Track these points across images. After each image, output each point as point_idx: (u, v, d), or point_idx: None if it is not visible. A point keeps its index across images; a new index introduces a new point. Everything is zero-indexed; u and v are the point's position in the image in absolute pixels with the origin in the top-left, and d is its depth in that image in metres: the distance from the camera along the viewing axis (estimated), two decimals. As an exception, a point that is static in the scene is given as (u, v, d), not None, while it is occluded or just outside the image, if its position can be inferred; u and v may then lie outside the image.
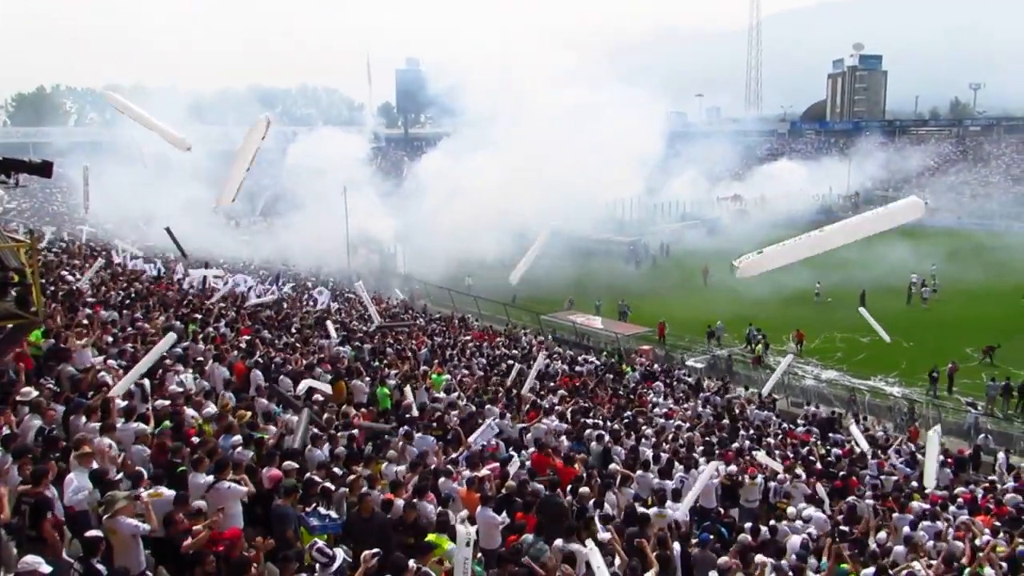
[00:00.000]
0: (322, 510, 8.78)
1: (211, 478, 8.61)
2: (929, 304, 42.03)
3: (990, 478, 18.37)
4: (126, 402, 10.72)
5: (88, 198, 31.26)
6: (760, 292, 40.23)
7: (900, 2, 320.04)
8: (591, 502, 10.76)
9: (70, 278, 20.84)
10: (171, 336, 12.70)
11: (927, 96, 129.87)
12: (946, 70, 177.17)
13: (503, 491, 10.60)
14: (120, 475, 8.47)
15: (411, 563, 7.18)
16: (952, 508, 14.53)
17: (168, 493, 8.02)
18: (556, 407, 18.20)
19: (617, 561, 8.87)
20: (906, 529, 12.26)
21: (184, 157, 24.65)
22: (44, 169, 10.12)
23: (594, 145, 54.79)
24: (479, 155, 53.66)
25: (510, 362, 23.46)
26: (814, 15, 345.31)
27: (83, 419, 9.69)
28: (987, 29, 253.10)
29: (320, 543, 7.45)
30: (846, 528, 12.27)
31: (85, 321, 14.57)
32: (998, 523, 13.52)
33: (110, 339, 14.56)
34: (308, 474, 9.69)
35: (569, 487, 11.52)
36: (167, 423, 10.46)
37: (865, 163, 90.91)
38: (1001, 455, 20.45)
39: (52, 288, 17.96)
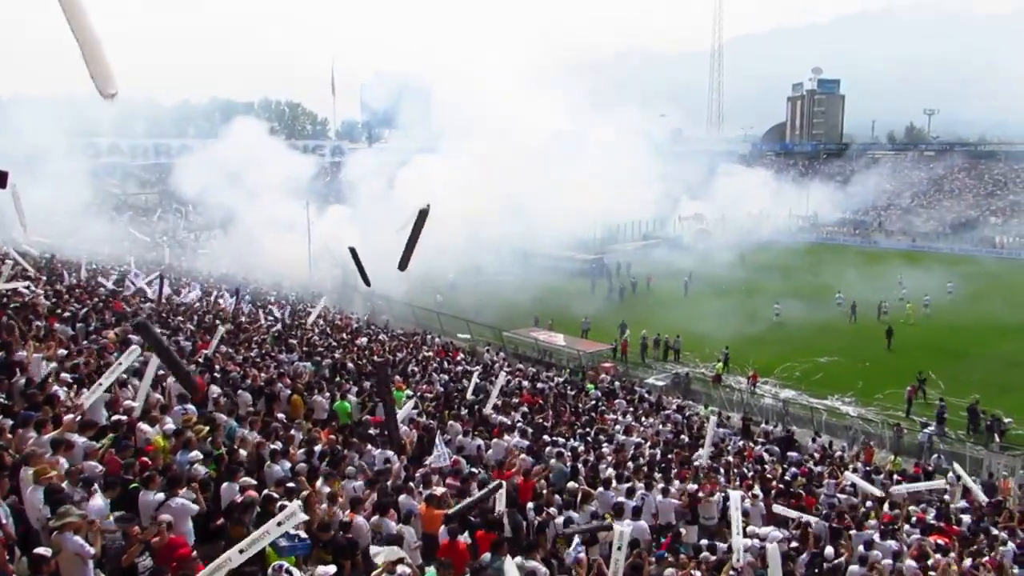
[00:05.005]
0: (291, 530, 8.60)
1: (162, 495, 8.46)
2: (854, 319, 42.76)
3: (943, 497, 18.68)
4: (79, 417, 10.48)
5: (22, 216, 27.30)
6: (723, 314, 40.79)
7: (854, 30, 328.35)
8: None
9: (23, 291, 20.41)
10: (134, 351, 12.46)
11: (883, 121, 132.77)
12: (901, 96, 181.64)
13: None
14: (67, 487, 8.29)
15: None
16: (906, 527, 14.73)
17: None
18: (518, 423, 18.19)
19: None
20: (861, 548, 12.38)
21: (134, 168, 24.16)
22: (-1, 179, 9.83)
23: (559, 162, 55.15)
24: (444, 170, 53.63)
25: (475, 379, 23.39)
26: (770, 40, 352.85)
27: (32, 433, 9.45)
28: (940, 57, 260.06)
29: (286, 564, 7.34)
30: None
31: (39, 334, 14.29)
32: (942, 542, 13.72)
33: (63, 352, 14.26)
34: (266, 490, 9.56)
35: (530, 504, 11.51)
36: (110, 436, 10.25)
37: (824, 185, 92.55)
38: (951, 475, 20.82)
39: (3, 300, 17.59)
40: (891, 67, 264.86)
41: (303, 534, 8.38)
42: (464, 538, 9.52)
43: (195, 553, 7.31)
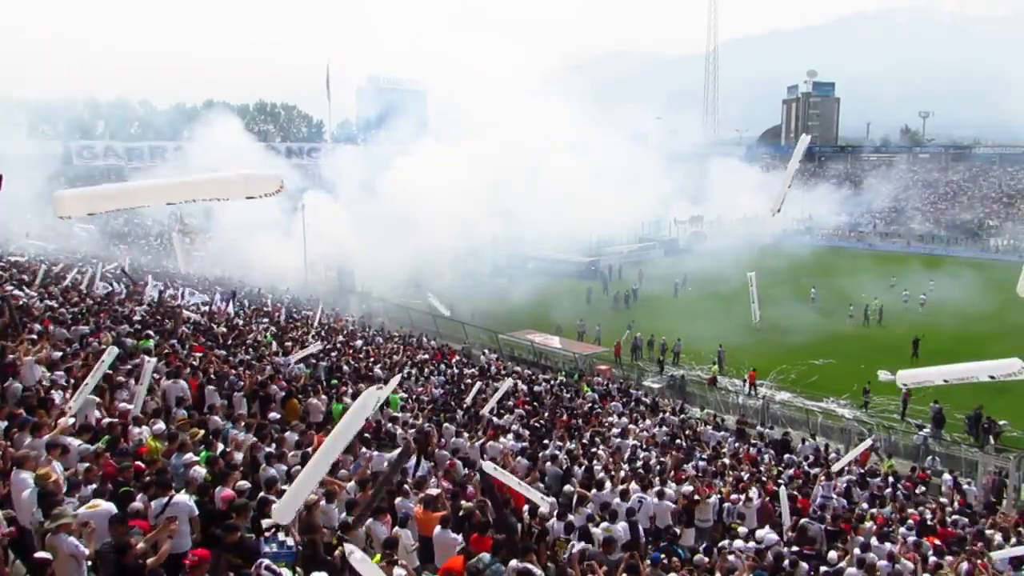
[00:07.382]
0: (281, 535, 8.57)
1: (155, 501, 8.44)
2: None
3: (941, 500, 18.73)
4: (73, 419, 10.45)
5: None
6: (717, 316, 40.81)
7: (850, 33, 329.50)
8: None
9: (19, 293, 20.34)
10: (112, 350, 12.37)
11: (878, 124, 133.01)
12: (896, 98, 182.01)
13: (460, 511, 10.55)
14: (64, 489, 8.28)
15: None
16: (902, 529, 14.75)
17: (106, 505, 7.84)
18: (512, 426, 18.20)
19: None
20: (857, 551, 12.39)
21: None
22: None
23: (555, 164, 55.16)
24: (439, 172, 53.60)
25: (469, 381, 23.43)
26: (766, 43, 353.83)
27: (28, 437, 9.42)
28: (936, 60, 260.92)
29: (267, 561, 7.32)
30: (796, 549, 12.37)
31: (34, 336, 14.26)
32: (939, 542, 13.76)
33: (58, 354, 14.22)
34: (261, 493, 9.53)
35: (526, 507, 11.50)
36: (105, 438, 10.22)
37: (820, 187, 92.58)
38: (947, 476, 20.88)
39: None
40: (886, 70, 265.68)
41: (290, 541, 8.35)
42: (460, 538, 9.52)
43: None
